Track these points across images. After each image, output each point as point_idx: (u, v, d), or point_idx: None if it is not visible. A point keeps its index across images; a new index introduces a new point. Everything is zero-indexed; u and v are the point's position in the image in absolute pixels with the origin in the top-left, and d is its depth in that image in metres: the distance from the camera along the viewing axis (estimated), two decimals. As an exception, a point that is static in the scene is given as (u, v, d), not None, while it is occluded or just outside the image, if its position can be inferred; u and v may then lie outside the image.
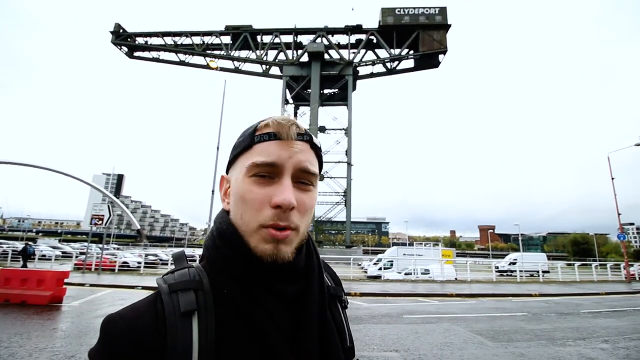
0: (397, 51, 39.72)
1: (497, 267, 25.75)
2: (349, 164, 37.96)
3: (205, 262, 0.60)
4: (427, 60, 40.08)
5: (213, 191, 17.07)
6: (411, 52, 39.70)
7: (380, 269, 21.91)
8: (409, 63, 41.23)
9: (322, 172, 0.64)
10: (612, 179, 22.83)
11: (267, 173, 0.55)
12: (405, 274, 19.14)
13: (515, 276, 21.49)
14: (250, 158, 0.56)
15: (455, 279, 18.90)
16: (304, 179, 0.57)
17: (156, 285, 0.58)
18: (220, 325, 0.52)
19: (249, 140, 0.57)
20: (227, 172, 0.64)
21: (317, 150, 0.61)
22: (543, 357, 5.36)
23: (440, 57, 39.47)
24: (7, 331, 5.99)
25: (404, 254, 24.59)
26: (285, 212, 0.53)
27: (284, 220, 0.53)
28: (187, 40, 41.80)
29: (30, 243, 18.58)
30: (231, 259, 0.56)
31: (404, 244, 55.81)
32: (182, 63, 42.87)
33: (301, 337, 0.55)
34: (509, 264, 28.22)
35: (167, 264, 23.46)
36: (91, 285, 12.65)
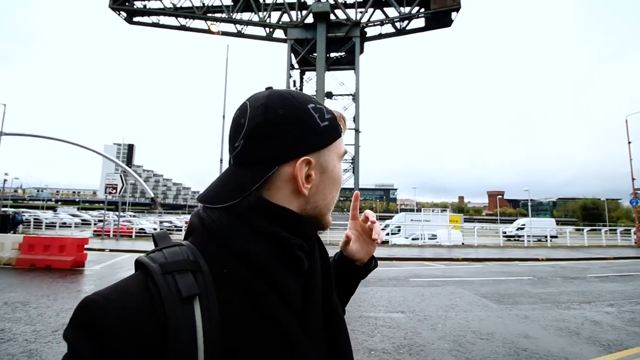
0: (407, 9, 37.45)
1: (505, 232, 25.91)
2: (357, 131, 37.36)
3: (199, 239, 0.53)
4: (439, 19, 37.78)
5: (221, 160, 17.16)
6: (422, 10, 37.38)
7: (387, 234, 22.29)
8: (420, 22, 38.93)
9: None
10: (629, 142, 22.12)
11: None
12: (413, 239, 19.47)
13: (523, 241, 21.66)
14: (340, 146, 0.62)
15: (462, 243, 19.17)
16: None
17: None
18: (223, 309, 0.47)
19: (340, 130, 0.61)
20: (305, 154, 0.56)
21: None
22: (547, 320, 5.51)
23: (453, 14, 37.10)
24: (35, 293, 6.39)
25: (411, 220, 24.89)
26: None
27: None
28: (186, 3, 40.04)
29: (18, 212, 19.53)
30: (270, 233, 0.52)
31: (412, 210, 56.22)
32: (182, 28, 41.40)
33: (310, 310, 0.53)
34: (517, 229, 28.36)
35: (181, 230, 24.27)
36: (110, 250, 13.25)
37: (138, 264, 0.49)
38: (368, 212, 0.76)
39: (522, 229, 25.66)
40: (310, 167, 0.56)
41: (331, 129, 0.59)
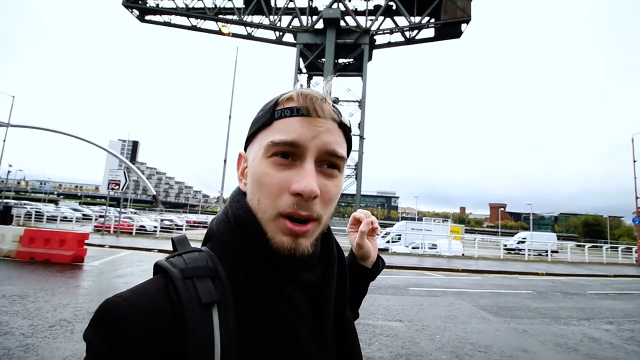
0: (417, 19, 37.71)
1: (505, 245, 25.76)
2: (362, 137, 37.43)
3: (216, 246, 0.53)
4: (449, 30, 38.02)
5: (225, 161, 17.22)
6: (432, 20, 37.64)
7: (388, 242, 22.21)
8: (429, 32, 39.19)
9: (349, 155, 0.56)
10: (634, 161, 22.03)
11: (289, 153, 0.48)
12: (413, 247, 19.38)
13: (524, 255, 21.51)
14: (269, 136, 0.49)
15: (463, 254, 19.05)
16: (331, 162, 0.50)
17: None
18: (240, 317, 0.46)
19: (268, 116, 0.50)
20: (245, 149, 0.57)
21: (346, 131, 0.54)
22: (546, 335, 5.46)
23: (463, 26, 37.34)
24: (33, 287, 6.40)
25: (412, 229, 24.79)
26: (307, 201, 0.47)
27: (305, 209, 0.47)
28: (199, 4, 40.50)
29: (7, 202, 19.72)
30: (248, 247, 0.51)
31: (413, 219, 56.06)
32: (193, 28, 41.87)
33: (321, 326, 0.53)
34: (518, 243, 28.16)
35: (182, 229, 24.28)
36: (110, 246, 13.27)
37: (158, 267, 0.50)
38: (356, 214, 0.78)
39: (523, 242, 25.49)
40: (240, 161, 0.58)
41: (258, 118, 0.53)
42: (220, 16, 40.09)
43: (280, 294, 0.49)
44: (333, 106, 0.52)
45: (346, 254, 0.70)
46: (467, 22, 36.43)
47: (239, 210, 0.53)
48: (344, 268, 0.60)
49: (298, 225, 0.48)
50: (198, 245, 0.56)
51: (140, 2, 41.38)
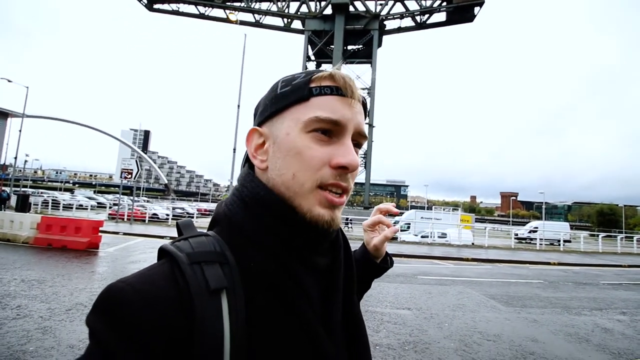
0: (428, 3, 36.66)
1: (517, 235, 25.46)
2: (371, 126, 37.08)
3: (225, 230, 0.51)
4: (461, 14, 36.86)
5: (235, 149, 17.28)
6: (444, 3, 36.54)
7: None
8: (441, 16, 38.11)
9: None
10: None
11: (330, 130, 0.49)
12: (422, 236, 19.32)
13: (535, 244, 21.24)
14: (310, 112, 0.49)
15: (472, 243, 18.92)
16: (358, 142, 0.54)
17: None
18: (249, 304, 0.45)
19: (305, 92, 0.50)
20: (259, 124, 0.55)
21: (366, 114, 0.56)
22: (556, 325, 5.41)
23: (476, 9, 36.16)
24: (51, 272, 6.62)
25: (421, 217, 24.66)
26: (347, 175, 0.50)
27: (345, 181, 0.50)
28: (206, -9, 40.09)
29: (5, 189, 20.25)
30: (271, 226, 0.49)
31: (422, 208, 55.77)
32: (201, 16, 41.58)
33: (330, 312, 0.52)
34: (529, 232, 27.81)
35: (192, 217, 24.71)
36: (124, 233, 13.59)
37: (163, 252, 0.48)
38: (382, 217, 0.79)
39: (535, 231, 25.18)
40: (262, 138, 0.55)
41: (288, 94, 0.52)
42: (228, 3, 39.67)
43: (293, 280, 0.48)
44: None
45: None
46: (481, 5, 35.24)
47: (257, 188, 0.52)
48: (350, 254, 0.61)
49: (338, 197, 0.50)
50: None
51: (148, -10, 41.16)
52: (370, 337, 4.40)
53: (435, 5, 36.61)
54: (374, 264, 0.78)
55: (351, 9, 36.88)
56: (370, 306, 5.79)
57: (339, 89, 0.50)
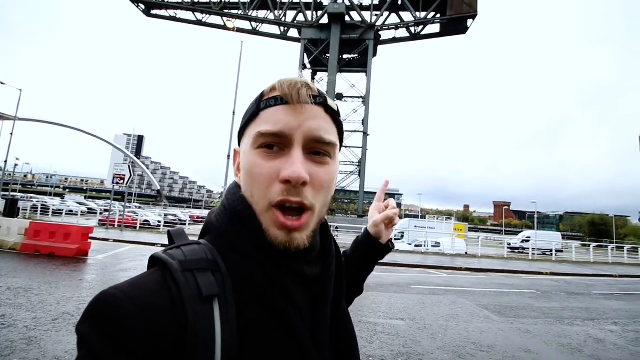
0: (422, 14, 37.31)
1: (509, 244, 25.60)
2: (365, 134, 37.30)
3: (215, 239, 0.52)
4: (455, 25, 37.58)
5: (229, 156, 17.22)
6: (438, 15, 37.23)
7: (390, 239, 22.14)
8: (435, 28, 38.79)
9: (342, 140, 0.56)
10: (643, 159, 21.69)
11: (275, 144, 0.48)
12: (416, 245, 19.32)
13: (528, 254, 21.37)
14: (256, 127, 0.49)
15: (466, 253, 18.96)
16: (318, 150, 0.50)
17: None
18: (241, 313, 0.45)
19: (255, 107, 0.50)
20: (239, 143, 0.57)
21: (334, 115, 0.52)
22: (549, 335, 5.41)
23: (469, 22, 36.91)
24: (37, 280, 6.46)
25: (415, 226, 24.71)
26: (297, 188, 0.46)
27: (295, 195, 0.47)
28: (204, -2, 40.37)
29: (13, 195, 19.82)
30: (248, 239, 0.50)
31: (416, 217, 55.94)
32: (199, 23, 41.79)
33: (319, 323, 0.52)
34: (522, 242, 27.99)
35: (185, 224, 24.42)
36: (114, 240, 13.37)
37: (155, 260, 0.47)
38: (391, 200, 0.86)
39: (527, 241, 25.35)
40: (236, 156, 0.59)
41: (247, 111, 0.52)
42: (226, 11, 39.96)
43: (281, 291, 0.49)
44: (318, 91, 0.51)
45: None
46: (474, 17, 35.99)
47: (236, 202, 0.52)
48: (342, 265, 0.60)
49: (291, 220, 0.47)
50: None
51: (145, -4, 41.31)
52: (363, 348, 4.38)
53: (430, 17, 37.29)
54: (373, 240, 0.82)
55: (347, 18, 37.40)
56: (364, 316, 5.74)
57: (282, 98, 0.49)
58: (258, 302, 0.47)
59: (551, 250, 21.11)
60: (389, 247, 0.84)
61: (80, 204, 34.35)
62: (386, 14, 38.07)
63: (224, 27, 39.68)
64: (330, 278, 0.55)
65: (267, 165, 0.48)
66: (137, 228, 19.34)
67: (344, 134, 0.56)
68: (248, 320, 0.45)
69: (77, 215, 24.39)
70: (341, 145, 0.56)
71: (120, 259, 9.63)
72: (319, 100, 0.50)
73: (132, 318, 0.39)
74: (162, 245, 12.92)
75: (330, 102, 0.52)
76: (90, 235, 9.89)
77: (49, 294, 5.59)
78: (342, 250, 0.68)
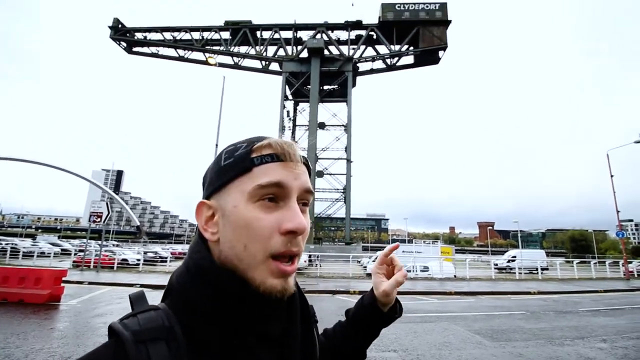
0: (397, 47, 39.48)
1: (496, 265, 25.79)
2: (349, 161, 37.86)
3: (175, 302, 0.51)
4: (427, 57, 39.85)
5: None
6: (411, 48, 39.48)
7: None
8: (409, 59, 41.02)
9: (321, 170, 0.60)
10: (612, 176, 22.79)
11: (274, 195, 0.50)
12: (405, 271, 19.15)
13: (514, 273, 21.53)
14: (252, 181, 0.50)
15: (455, 276, 18.93)
16: (306, 199, 0.54)
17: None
18: None
19: (247, 163, 0.51)
20: (207, 197, 0.55)
21: (309, 171, 0.58)
22: (541, 357, 5.35)
23: (440, 53, 39.26)
24: (3, 331, 5.97)
25: (402, 251, 24.62)
26: (296, 238, 0.49)
27: (296, 245, 0.50)
28: (186, 36, 41.50)
29: None
30: (217, 299, 0.49)
31: (403, 241, 55.90)
32: (181, 59, 42.59)
33: None
34: (508, 261, 28.26)
35: (166, 261, 23.47)
36: (90, 283, 12.64)
37: (111, 330, 0.46)
38: (395, 258, 0.77)
39: (513, 260, 25.61)
40: (210, 210, 0.54)
41: (232, 166, 0.52)
42: (207, 47, 41.04)
43: (244, 352, 0.47)
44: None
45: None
46: (444, 49, 38.35)
47: (202, 261, 0.51)
48: (309, 314, 0.60)
49: (287, 265, 0.49)
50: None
51: (127, 35, 42.11)
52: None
53: (404, 49, 39.46)
54: (381, 313, 0.72)
55: (326, 52, 39.04)
56: (355, 350, 5.53)
57: (279, 156, 0.51)
58: None
59: (537, 269, 21.38)
60: (394, 317, 0.76)
61: (53, 244, 32.56)
62: (363, 47, 40.08)
63: (205, 63, 40.57)
64: (296, 329, 0.55)
65: (268, 218, 0.49)
66: (115, 268, 18.44)
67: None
68: None
69: (49, 257, 23.10)
70: None
71: (96, 303, 9.07)
72: (303, 159, 0.55)
73: None
74: (141, 286, 12.30)
75: (309, 162, 0.58)
76: (64, 278, 9.31)
77: (16, 347, 5.15)
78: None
